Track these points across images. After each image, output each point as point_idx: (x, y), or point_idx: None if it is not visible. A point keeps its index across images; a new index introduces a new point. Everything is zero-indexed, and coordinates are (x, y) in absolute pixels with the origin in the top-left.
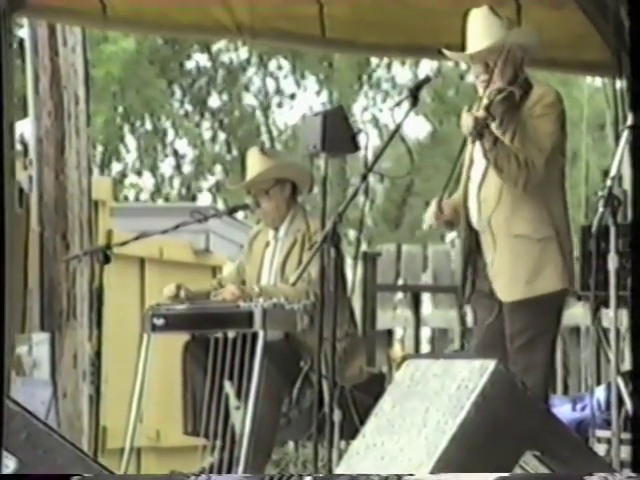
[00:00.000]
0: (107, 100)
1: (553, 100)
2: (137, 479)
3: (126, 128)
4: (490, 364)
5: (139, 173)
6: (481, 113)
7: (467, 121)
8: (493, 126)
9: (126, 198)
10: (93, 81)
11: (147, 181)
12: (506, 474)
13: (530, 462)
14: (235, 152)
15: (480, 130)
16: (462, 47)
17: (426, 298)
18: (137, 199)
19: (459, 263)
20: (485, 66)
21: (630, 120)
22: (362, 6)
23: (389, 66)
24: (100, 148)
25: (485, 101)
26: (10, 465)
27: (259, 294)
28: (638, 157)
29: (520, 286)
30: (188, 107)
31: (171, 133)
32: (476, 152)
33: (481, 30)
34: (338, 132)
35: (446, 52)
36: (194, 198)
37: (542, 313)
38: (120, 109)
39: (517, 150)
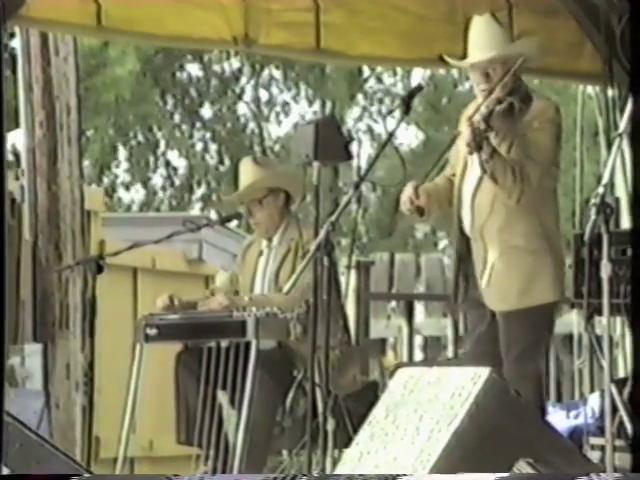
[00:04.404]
0: (101, 113)
1: (553, 115)
2: None
3: (118, 139)
4: (484, 372)
5: (129, 184)
6: (481, 125)
7: (466, 133)
8: (492, 137)
9: (129, 209)
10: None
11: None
12: (505, 474)
13: (524, 469)
14: (227, 162)
15: (479, 142)
16: (458, 54)
17: (419, 306)
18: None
19: (452, 269)
20: (485, 75)
21: (622, 128)
22: (359, 13)
23: (382, 75)
24: (92, 159)
25: (484, 110)
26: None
27: (250, 303)
28: (637, 163)
29: (513, 297)
30: (181, 117)
31: (163, 144)
32: (470, 158)
33: (483, 39)
34: (330, 141)
35: (448, 59)
36: (186, 208)
37: (535, 324)
38: (112, 119)
39: (513, 163)
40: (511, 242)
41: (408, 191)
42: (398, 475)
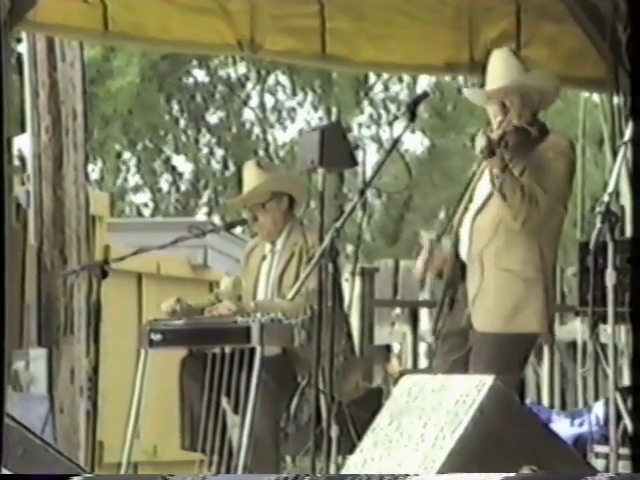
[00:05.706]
0: (107, 119)
1: (566, 148)
2: None
3: (125, 144)
4: (488, 379)
5: (135, 189)
6: (495, 134)
7: (481, 140)
8: (506, 155)
9: (134, 214)
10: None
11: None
12: (510, 474)
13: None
14: (233, 167)
15: (492, 149)
16: (463, 61)
17: (423, 313)
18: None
19: (440, 293)
20: (502, 106)
21: (627, 135)
22: (364, 19)
23: (388, 82)
24: (99, 164)
25: (499, 132)
26: None
27: (256, 309)
28: (637, 172)
29: (498, 320)
30: (186, 123)
31: (169, 149)
32: (479, 186)
33: (498, 70)
34: (336, 147)
35: (466, 92)
36: (191, 213)
37: (511, 352)
38: (118, 125)
39: (524, 184)
40: (506, 265)
41: (424, 254)
42: (403, 475)
